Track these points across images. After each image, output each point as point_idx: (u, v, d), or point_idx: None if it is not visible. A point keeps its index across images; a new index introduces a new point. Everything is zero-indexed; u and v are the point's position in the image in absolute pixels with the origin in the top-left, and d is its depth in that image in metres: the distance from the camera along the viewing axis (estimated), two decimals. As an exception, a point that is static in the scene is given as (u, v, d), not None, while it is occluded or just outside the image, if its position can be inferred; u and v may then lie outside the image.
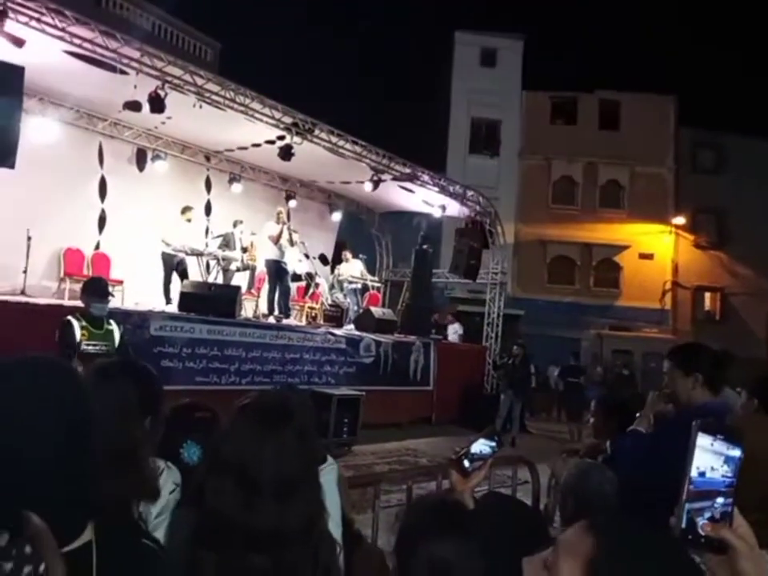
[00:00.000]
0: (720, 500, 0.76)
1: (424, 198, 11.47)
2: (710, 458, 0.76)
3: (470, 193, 11.88)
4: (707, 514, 0.76)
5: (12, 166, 6.03)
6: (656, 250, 21.31)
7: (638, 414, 2.33)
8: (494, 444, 1.44)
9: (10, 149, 5.83)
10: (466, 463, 1.41)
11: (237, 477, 1.05)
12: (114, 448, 1.15)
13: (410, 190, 11.14)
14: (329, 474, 1.80)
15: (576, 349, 16.53)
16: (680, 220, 21.14)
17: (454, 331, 13.10)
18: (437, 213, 11.70)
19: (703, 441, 0.76)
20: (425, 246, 12.02)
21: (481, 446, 1.42)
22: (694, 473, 0.76)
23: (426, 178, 10.92)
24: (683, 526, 0.75)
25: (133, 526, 1.13)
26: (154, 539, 1.12)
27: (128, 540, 0.99)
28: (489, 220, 12.26)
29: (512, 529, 1.27)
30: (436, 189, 11.16)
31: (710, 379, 2.22)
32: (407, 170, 10.54)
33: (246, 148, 10.03)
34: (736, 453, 0.77)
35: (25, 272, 7.52)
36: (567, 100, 21.84)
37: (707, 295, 21.49)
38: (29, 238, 7.52)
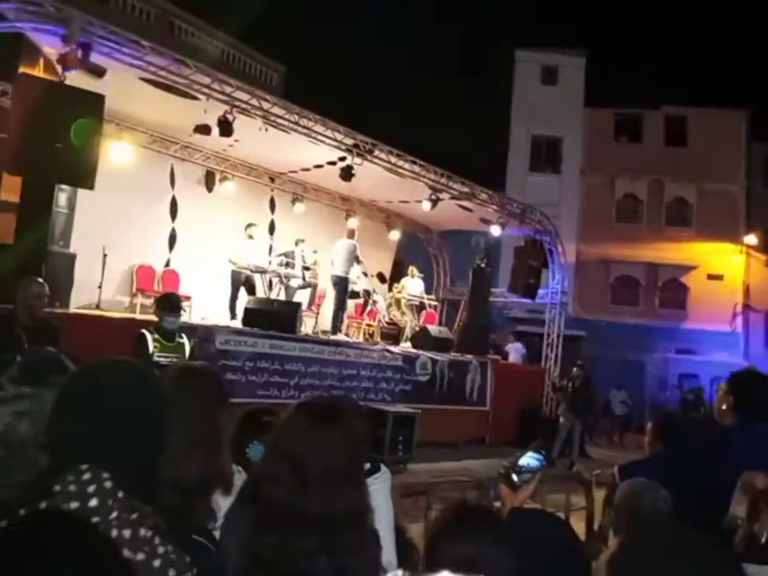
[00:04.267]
0: None
1: (482, 217, 11.45)
2: None
3: (529, 211, 11.79)
4: None
5: (91, 187, 6.43)
6: (726, 270, 20.43)
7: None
8: (541, 457, 1.46)
9: (89, 171, 6.23)
10: (515, 477, 1.43)
11: (290, 465, 1.19)
12: (198, 434, 1.30)
13: (468, 209, 11.15)
14: (383, 483, 1.85)
15: (640, 372, 16.00)
16: (752, 239, 20.22)
17: (516, 350, 12.93)
18: (495, 231, 11.65)
19: None
20: (482, 265, 11.97)
21: (528, 459, 1.45)
22: None
23: (484, 196, 10.91)
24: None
25: (199, 516, 1.24)
26: (211, 536, 1.22)
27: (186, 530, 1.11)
28: (549, 239, 12.11)
29: (542, 539, 1.30)
30: (494, 207, 11.14)
31: (739, 403, 2.22)
32: (465, 189, 10.57)
33: (308, 169, 10.31)
34: None
35: (100, 287, 7.97)
36: (631, 116, 21.39)
37: (781, 318, 20.42)
38: (104, 255, 7.98)
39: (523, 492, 1.43)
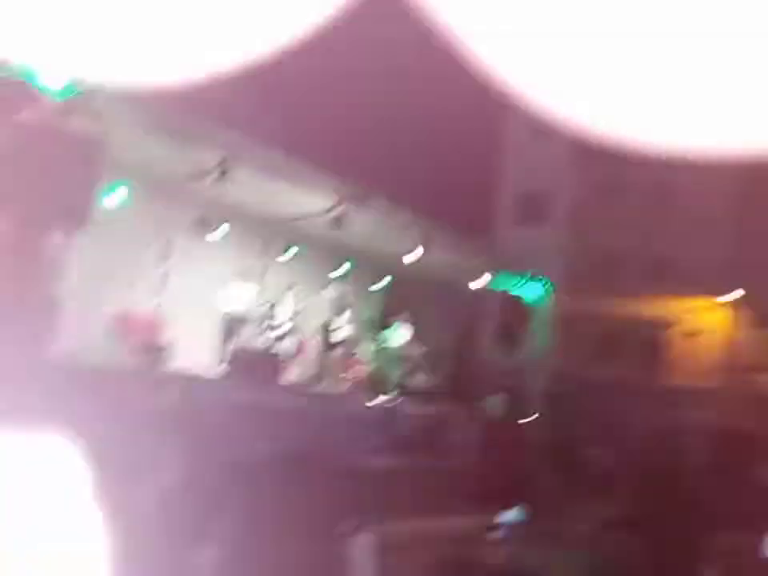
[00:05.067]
0: None
1: (470, 269, 11.62)
2: None
3: (515, 264, 11.98)
4: None
5: (86, 228, 6.56)
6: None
7: None
8: (523, 514, 1.48)
9: (85, 212, 6.35)
10: None
11: None
12: None
13: (456, 260, 11.31)
14: (365, 543, 1.89)
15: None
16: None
17: (496, 405, 12.88)
18: (481, 283, 11.79)
19: None
20: (468, 317, 12.06)
21: (512, 516, 1.47)
22: None
23: (472, 247, 11.10)
24: None
25: None
26: None
27: None
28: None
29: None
30: (482, 259, 11.32)
31: None
32: (453, 239, 10.75)
33: (300, 218, 10.47)
34: None
35: (84, 334, 7.96)
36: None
37: None
38: (89, 301, 7.99)
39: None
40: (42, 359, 5.88)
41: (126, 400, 4.31)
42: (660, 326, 20.41)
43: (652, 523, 6.57)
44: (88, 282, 8.07)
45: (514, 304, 12.07)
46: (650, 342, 20.31)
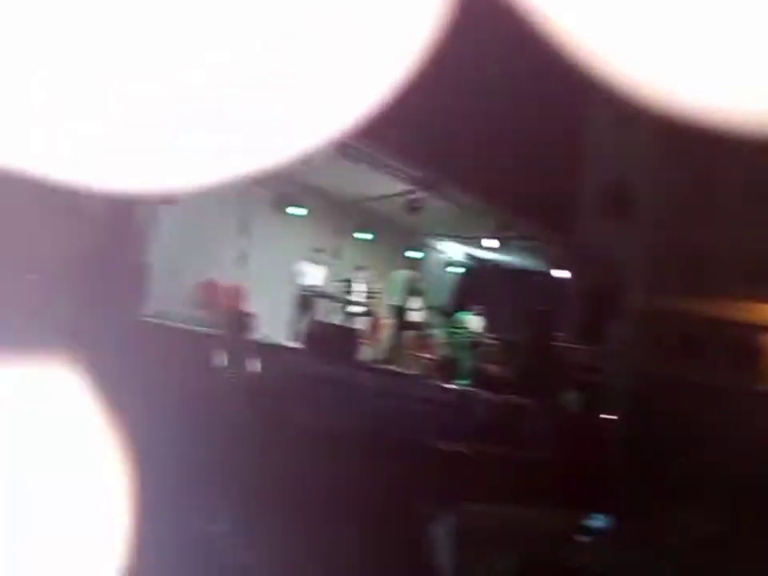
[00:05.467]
0: None
1: (548, 258, 11.27)
2: None
3: (597, 256, 11.51)
4: None
5: (176, 203, 6.72)
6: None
7: None
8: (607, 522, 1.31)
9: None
10: None
11: None
12: None
13: (534, 249, 10.99)
14: (443, 528, 1.75)
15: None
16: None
17: (575, 400, 12.46)
18: (561, 274, 11.41)
19: None
20: (546, 307, 11.73)
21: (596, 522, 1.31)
22: None
23: (550, 237, 10.75)
24: None
25: None
26: None
27: None
28: (617, 286, 11.76)
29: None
30: (561, 249, 10.94)
31: None
32: (531, 229, 10.45)
33: (376, 199, 10.42)
34: None
35: (170, 298, 8.20)
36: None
37: None
38: (176, 268, 8.22)
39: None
40: (133, 319, 6.06)
41: (208, 362, 4.33)
42: (755, 328, 19.26)
43: (745, 538, 6.11)
44: (174, 251, 8.29)
45: (596, 296, 11.61)
46: (744, 344, 19.21)
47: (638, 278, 12.39)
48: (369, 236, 11.07)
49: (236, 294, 9.50)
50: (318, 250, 9.47)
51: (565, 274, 11.35)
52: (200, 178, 0.24)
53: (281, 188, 10.21)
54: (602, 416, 11.61)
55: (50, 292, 5.84)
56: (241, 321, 4.66)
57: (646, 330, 13.00)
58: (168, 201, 6.71)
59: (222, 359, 4.44)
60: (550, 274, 11.79)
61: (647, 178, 20.80)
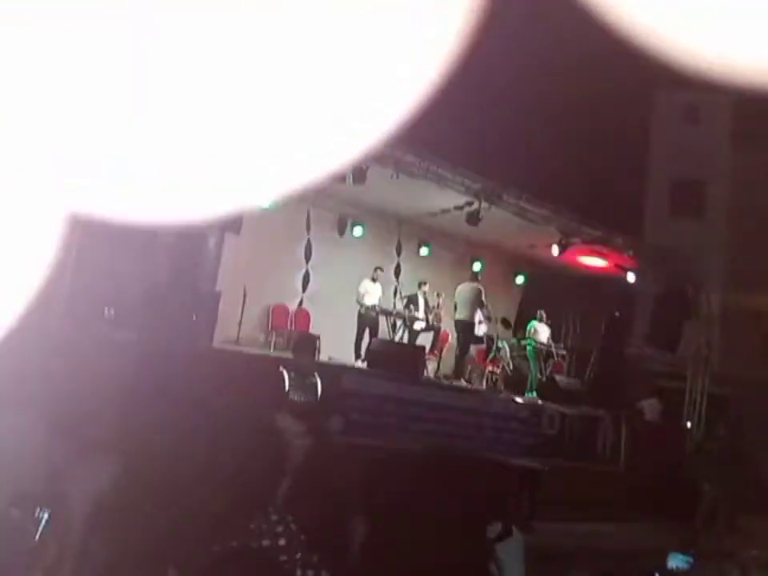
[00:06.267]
0: None
1: (617, 263, 10.91)
2: None
3: (669, 258, 11.06)
4: None
5: (238, 232, 6.96)
6: None
7: None
8: (690, 560, 1.31)
9: (238, 217, 6.74)
10: None
11: None
12: None
13: (602, 254, 10.68)
14: (515, 548, 1.76)
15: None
16: None
17: (652, 407, 12.00)
18: (631, 278, 11.02)
19: None
20: (617, 314, 11.34)
21: (678, 561, 1.31)
22: None
23: (619, 241, 10.41)
24: None
25: None
26: None
27: None
28: (692, 288, 11.25)
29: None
30: (631, 253, 10.57)
31: None
32: (598, 233, 10.16)
33: (435, 214, 10.44)
34: None
35: (239, 324, 8.50)
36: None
37: None
38: (245, 294, 8.52)
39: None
40: (205, 344, 6.33)
41: (276, 386, 4.48)
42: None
43: None
44: (242, 278, 8.59)
45: (670, 299, 11.15)
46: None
47: (715, 278, 11.79)
48: (430, 251, 11.10)
49: (302, 317, 9.74)
50: (378, 269, 9.58)
51: (637, 277, 10.96)
52: (261, 200, 0.25)
53: (340, 209, 10.44)
54: (681, 424, 11.10)
55: (126, 324, 6.18)
56: (308, 343, 4.80)
57: (724, 332, 12.36)
58: (232, 228, 6.99)
59: (291, 382, 4.58)
60: (621, 278, 11.41)
61: (719, 175, 19.84)
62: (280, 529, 0.96)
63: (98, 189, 0.23)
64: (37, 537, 1.40)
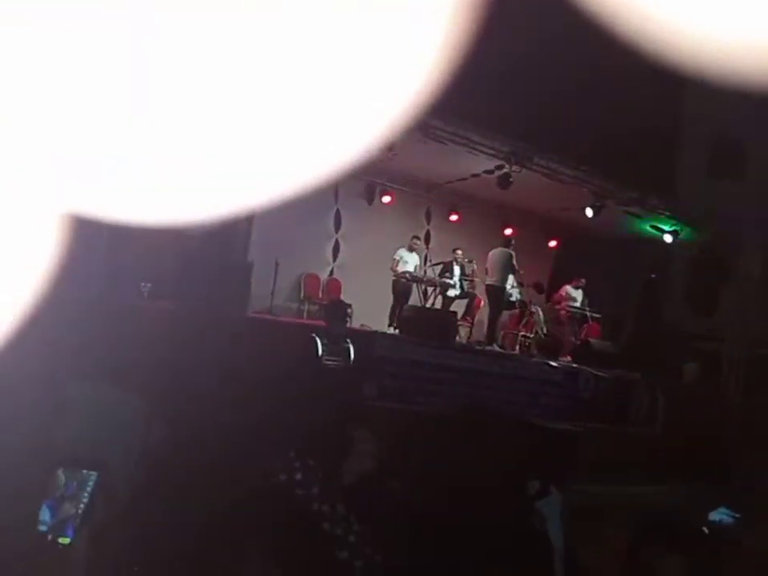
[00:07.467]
0: None
1: (652, 224, 10.66)
2: None
3: (707, 219, 10.75)
4: None
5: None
6: None
7: None
8: (735, 514, 1.29)
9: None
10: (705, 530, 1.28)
11: None
12: None
13: (637, 215, 10.44)
14: (553, 506, 1.76)
15: None
16: None
17: (691, 371, 11.80)
18: (667, 239, 10.77)
19: None
20: (653, 276, 11.11)
21: (720, 515, 1.29)
22: None
23: (655, 202, 10.15)
24: None
25: None
26: None
27: None
28: (730, 249, 10.94)
29: None
30: (666, 214, 10.31)
31: None
32: (634, 195, 9.91)
33: (465, 179, 10.30)
34: None
35: (272, 294, 8.61)
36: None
37: None
38: (276, 265, 8.60)
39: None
40: (240, 313, 6.44)
41: (310, 351, 4.55)
42: None
43: None
44: (274, 250, 8.67)
45: (708, 261, 10.87)
46: None
47: (753, 239, 11.43)
48: (461, 217, 10.99)
49: (333, 286, 9.81)
50: (416, 237, 9.56)
51: (673, 239, 10.70)
52: (266, 200, 0.25)
53: (368, 177, 10.37)
54: (717, 387, 10.93)
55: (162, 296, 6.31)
56: (339, 311, 4.84)
57: (763, 295, 12.04)
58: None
59: (324, 348, 4.65)
60: (657, 240, 11.17)
61: (759, 134, 19.06)
62: (297, 464, 0.98)
63: (98, 189, 0.23)
64: (85, 498, 1.45)
